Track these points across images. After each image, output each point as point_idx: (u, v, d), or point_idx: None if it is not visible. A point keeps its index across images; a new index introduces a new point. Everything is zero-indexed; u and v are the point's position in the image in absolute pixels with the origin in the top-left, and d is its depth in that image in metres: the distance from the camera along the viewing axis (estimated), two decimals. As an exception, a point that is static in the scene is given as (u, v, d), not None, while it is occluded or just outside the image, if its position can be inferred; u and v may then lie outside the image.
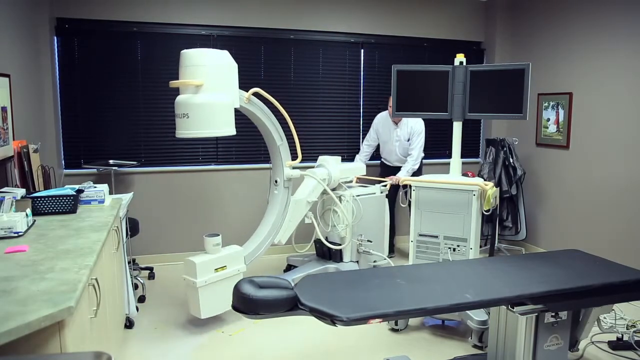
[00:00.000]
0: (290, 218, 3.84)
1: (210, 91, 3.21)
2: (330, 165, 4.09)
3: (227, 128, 3.30)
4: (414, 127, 4.72)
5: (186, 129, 3.21)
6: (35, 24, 4.04)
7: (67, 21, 4.34)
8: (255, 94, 3.72)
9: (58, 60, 4.38)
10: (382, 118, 4.88)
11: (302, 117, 5.09)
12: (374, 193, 4.31)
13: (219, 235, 3.41)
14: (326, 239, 4.12)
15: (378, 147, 5.01)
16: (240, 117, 4.90)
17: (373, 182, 4.56)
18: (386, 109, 4.91)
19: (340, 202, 4.07)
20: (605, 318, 3.55)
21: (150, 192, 4.71)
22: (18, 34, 3.57)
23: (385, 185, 4.42)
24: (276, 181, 3.78)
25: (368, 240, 4.53)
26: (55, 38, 4.33)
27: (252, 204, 5.01)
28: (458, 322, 3.55)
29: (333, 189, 4.10)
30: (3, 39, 3.24)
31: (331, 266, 4.11)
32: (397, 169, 4.82)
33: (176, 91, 4.63)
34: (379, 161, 5.08)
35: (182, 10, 4.62)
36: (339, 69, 5.14)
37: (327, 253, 4.20)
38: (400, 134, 4.76)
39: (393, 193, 4.85)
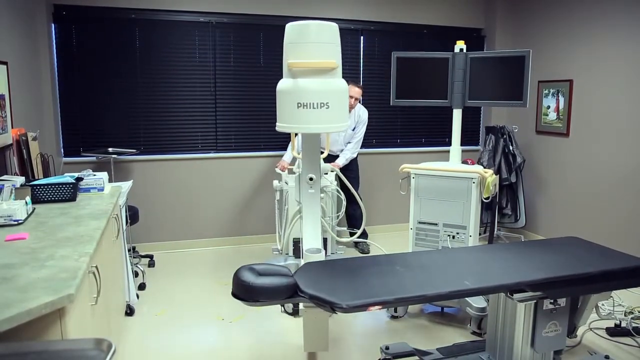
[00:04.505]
0: None
1: (339, 76, 2.60)
2: None
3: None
4: (362, 115, 4.62)
5: (328, 122, 2.52)
6: (33, 11, 4.01)
7: (65, 8, 4.30)
8: None
9: (56, 47, 4.34)
10: None
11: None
12: (331, 183, 4.23)
13: (321, 250, 2.79)
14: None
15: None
16: (239, 103, 4.89)
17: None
18: None
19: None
20: (603, 305, 3.57)
21: (150, 180, 4.71)
22: (15, 21, 3.54)
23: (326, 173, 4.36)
24: (311, 178, 3.08)
25: (350, 230, 4.54)
26: (53, 25, 4.30)
27: (251, 192, 5.01)
28: (457, 309, 3.56)
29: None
30: (0, 26, 3.22)
31: None
32: (335, 157, 4.70)
33: (175, 81, 4.64)
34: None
35: (181, -3, 4.58)
36: (338, 56, 5.10)
37: None
38: (349, 123, 4.64)
39: None
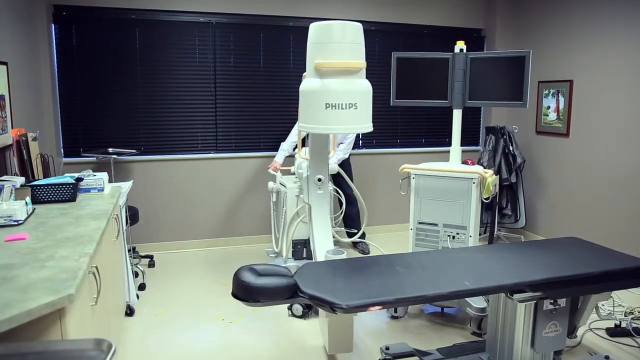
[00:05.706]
0: None
1: (364, 76, 2.60)
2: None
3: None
4: None
5: (355, 123, 2.50)
6: (33, 11, 4.01)
7: (65, 8, 4.30)
8: None
9: (56, 47, 4.34)
10: None
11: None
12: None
13: (343, 252, 2.76)
14: (308, 239, 3.91)
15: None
16: (239, 104, 4.89)
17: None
18: None
19: None
20: (603, 305, 3.57)
21: (150, 180, 4.71)
22: (15, 21, 3.54)
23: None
24: (320, 179, 3.05)
25: (347, 230, 4.52)
26: (53, 25, 4.30)
27: (252, 192, 5.01)
28: (457, 310, 3.56)
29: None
30: (0, 26, 3.22)
31: None
32: None
33: (175, 81, 4.64)
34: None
35: (181, -3, 4.58)
36: (338, 56, 5.10)
37: (310, 254, 3.93)
38: None
39: None
